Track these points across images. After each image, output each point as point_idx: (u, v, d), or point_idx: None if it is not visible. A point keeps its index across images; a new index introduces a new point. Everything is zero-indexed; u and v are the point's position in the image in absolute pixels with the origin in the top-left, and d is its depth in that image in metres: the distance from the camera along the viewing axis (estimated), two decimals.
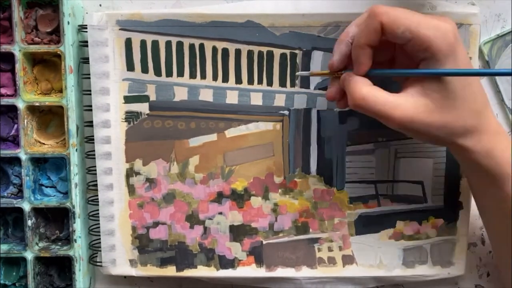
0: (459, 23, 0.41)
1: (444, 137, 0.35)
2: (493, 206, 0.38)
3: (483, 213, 0.40)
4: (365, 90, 0.34)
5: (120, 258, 0.45)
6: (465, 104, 0.34)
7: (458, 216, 0.44)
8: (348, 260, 0.44)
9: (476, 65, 0.42)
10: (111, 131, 0.43)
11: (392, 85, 0.36)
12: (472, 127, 0.34)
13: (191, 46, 0.42)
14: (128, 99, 0.43)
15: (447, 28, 0.32)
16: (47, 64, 0.44)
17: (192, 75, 0.43)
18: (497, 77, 0.43)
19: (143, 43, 0.42)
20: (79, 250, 0.44)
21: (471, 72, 0.34)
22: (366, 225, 0.44)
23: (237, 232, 0.44)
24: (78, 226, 0.43)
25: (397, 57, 0.37)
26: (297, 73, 0.42)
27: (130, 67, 0.43)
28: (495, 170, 0.35)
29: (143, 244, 0.45)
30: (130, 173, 0.44)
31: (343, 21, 0.41)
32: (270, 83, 0.43)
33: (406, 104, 0.33)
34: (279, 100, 0.43)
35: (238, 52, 0.42)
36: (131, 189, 0.44)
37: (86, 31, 0.42)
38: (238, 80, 0.43)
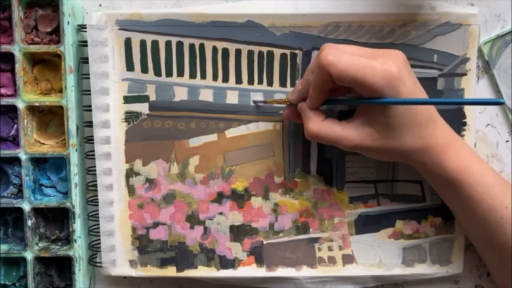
0: (458, 24, 0.42)
1: (394, 157, 0.39)
2: (457, 209, 0.41)
3: (454, 214, 0.43)
4: (316, 128, 0.37)
5: (120, 259, 0.45)
6: (409, 132, 0.37)
7: None
8: (348, 259, 0.45)
9: (474, 65, 0.42)
10: (111, 131, 0.43)
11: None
12: (418, 148, 0.38)
13: (191, 46, 0.42)
14: (127, 99, 0.43)
15: (391, 74, 0.34)
16: (47, 64, 0.44)
17: (192, 75, 0.43)
18: (497, 77, 0.43)
19: (142, 43, 0.42)
20: (79, 250, 0.43)
21: (416, 101, 0.36)
22: (365, 224, 0.44)
23: (238, 232, 0.44)
24: (78, 226, 0.43)
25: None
26: (253, 99, 0.43)
27: (129, 67, 0.43)
28: (447, 178, 0.38)
29: (143, 245, 0.45)
30: (130, 173, 0.44)
31: (343, 21, 0.42)
32: (270, 83, 0.43)
33: (353, 135, 0.37)
34: None
35: (238, 52, 0.42)
36: (131, 190, 0.44)
37: (86, 31, 0.42)
38: (238, 80, 0.43)
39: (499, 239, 0.38)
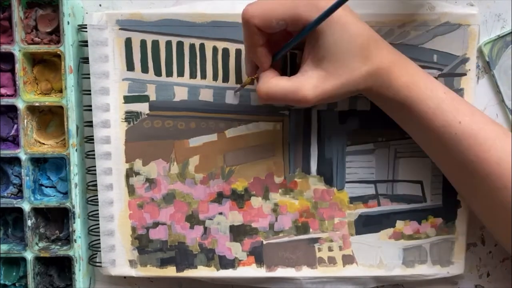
0: (458, 24, 0.42)
1: (349, 92, 0.37)
2: (413, 131, 0.40)
3: (412, 137, 0.41)
4: (265, 87, 0.36)
5: (119, 259, 0.45)
6: (354, 58, 0.35)
7: (456, 215, 0.44)
8: (348, 260, 0.45)
9: (474, 65, 0.42)
10: (111, 131, 0.43)
11: None
12: (366, 71, 0.36)
13: (192, 46, 0.42)
14: (128, 99, 0.43)
15: None
16: (47, 64, 0.44)
17: (192, 75, 0.43)
18: (497, 78, 0.43)
19: (143, 43, 0.42)
20: (79, 250, 0.43)
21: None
22: (366, 224, 0.44)
23: (237, 232, 0.44)
24: (78, 226, 0.43)
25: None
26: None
27: (130, 67, 0.43)
28: (399, 97, 0.37)
29: (143, 245, 0.45)
30: (130, 173, 0.44)
31: None
32: None
33: (303, 83, 0.36)
34: None
35: (238, 52, 0.42)
36: (131, 189, 0.44)
37: (86, 31, 0.42)
38: (238, 80, 0.43)
39: (457, 156, 0.37)
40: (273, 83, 0.36)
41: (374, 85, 0.37)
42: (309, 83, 0.35)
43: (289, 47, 0.37)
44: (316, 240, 0.44)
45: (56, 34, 0.43)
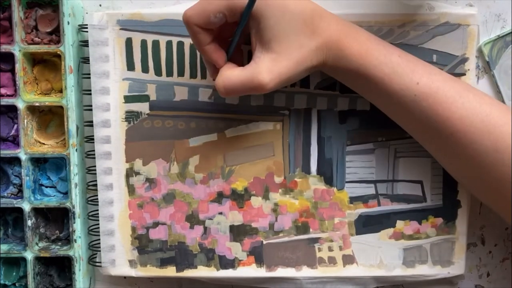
0: (457, 24, 0.42)
1: (305, 71, 0.37)
2: (375, 99, 0.40)
3: (377, 106, 0.41)
4: (221, 80, 0.36)
5: (119, 259, 0.45)
6: (300, 35, 0.35)
7: (456, 215, 0.44)
8: (349, 260, 0.44)
9: (473, 65, 0.42)
10: (111, 131, 0.43)
11: None
12: (316, 46, 0.36)
13: (192, 46, 0.42)
14: (128, 99, 0.43)
15: None
16: (47, 64, 0.44)
17: (193, 75, 0.43)
18: (497, 78, 0.43)
19: (143, 43, 0.42)
20: (79, 250, 0.43)
21: None
22: (366, 224, 0.44)
23: (237, 232, 0.44)
24: (78, 226, 0.43)
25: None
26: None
27: (130, 66, 0.43)
28: (352, 66, 0.37)
29: (143, 245, 0.44)
30: (130, 173, 0.44)
31: None
32: None
33: (257, 69, 0.35)
34: (279, 100, 0.43)
35: None
36: (131, 189, 0.44)
37: (87, 31, 0.42)
38: None
39: (420, 118, 0.37)
40: (228, 74, 0.36)
41: (327, 59, 0.37)
42: (262, 68, 0.35)
43: (236, 38, 0.37)
44: (316, 240, 0.44)
45: (56, 34, 0.43)
